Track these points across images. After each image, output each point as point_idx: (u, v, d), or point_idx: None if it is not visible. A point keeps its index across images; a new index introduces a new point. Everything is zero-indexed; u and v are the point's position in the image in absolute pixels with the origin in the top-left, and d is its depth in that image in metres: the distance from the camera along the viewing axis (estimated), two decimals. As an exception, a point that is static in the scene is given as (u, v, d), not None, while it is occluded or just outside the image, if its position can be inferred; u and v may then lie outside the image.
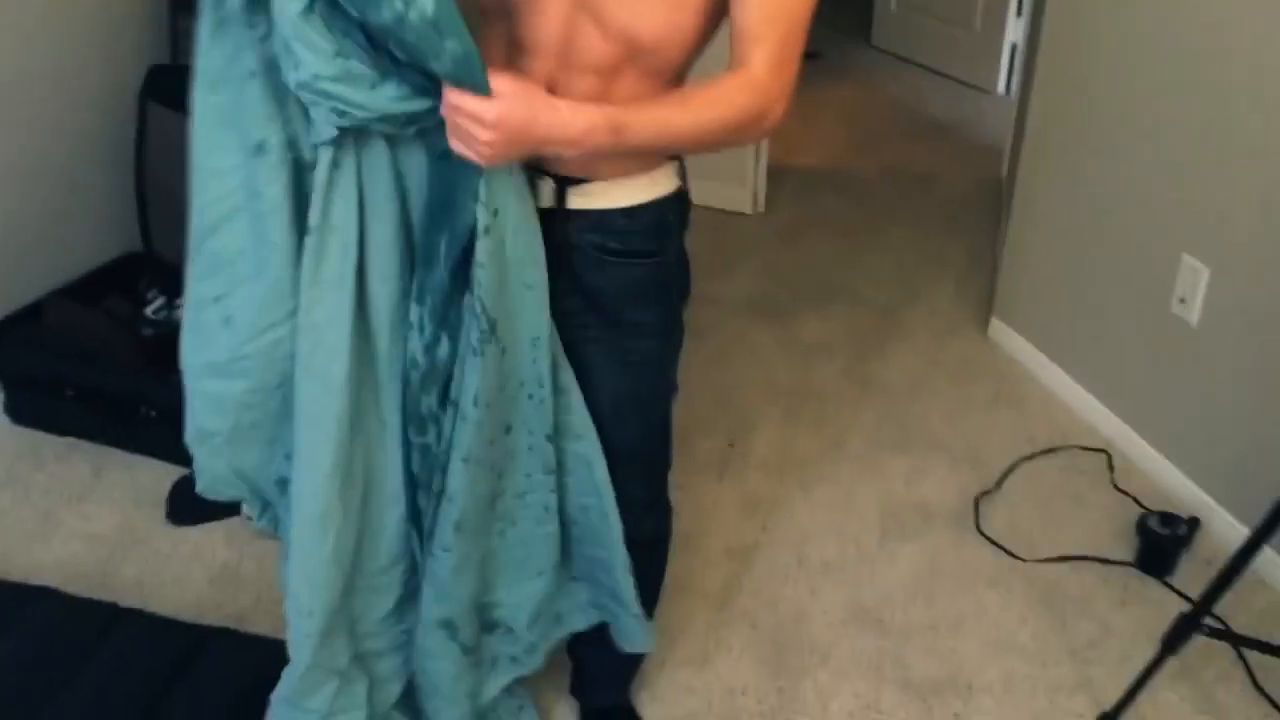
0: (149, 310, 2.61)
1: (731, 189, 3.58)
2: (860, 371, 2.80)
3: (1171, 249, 2.28)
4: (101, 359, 2.43)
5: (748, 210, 3.63)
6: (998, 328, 2.92)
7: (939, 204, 3.72)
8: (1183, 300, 2.25)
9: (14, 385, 2.47)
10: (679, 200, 1.35)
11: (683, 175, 1.37)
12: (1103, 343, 2.55)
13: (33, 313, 2.51)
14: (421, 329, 1.27)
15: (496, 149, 1.09)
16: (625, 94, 1.22)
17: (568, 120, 1.10)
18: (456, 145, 1.10)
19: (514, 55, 1.24)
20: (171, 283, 2.70)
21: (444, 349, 1.28)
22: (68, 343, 2.46)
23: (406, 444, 1.35)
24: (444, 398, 1.30)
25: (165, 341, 2.52)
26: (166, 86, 2.72)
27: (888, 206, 3.71)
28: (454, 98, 1.07)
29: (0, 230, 2.50)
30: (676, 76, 1.27)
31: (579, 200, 1.29)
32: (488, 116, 1.06)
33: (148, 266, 2.75)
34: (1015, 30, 4.38)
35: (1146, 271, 2.36)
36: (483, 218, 1.17)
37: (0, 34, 2.44)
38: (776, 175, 3.75)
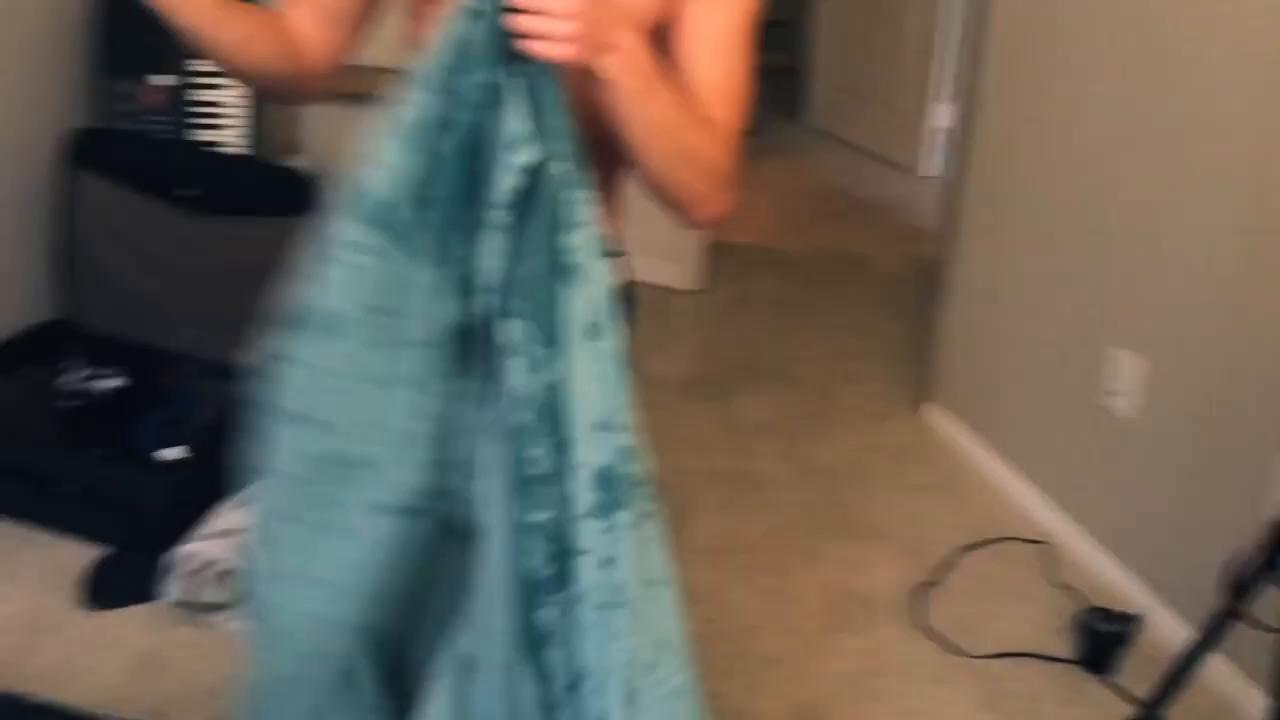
0: (70, 382, 2.51)
1: (672, 265, 3.59)
2: (799, 454, 2.80)
3: (1099, 340, 2.33)
4: (16, 432, 2.32)
5: (688, 287, 3.64)
6: (933, 412, 2.95)
7: (873, 284, 3.77)
8: (1111, 393, 2.29)
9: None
10: (626, 295, 1.33)
11: (629, 274, 1.34)
12: (1037, 432, 2.58)
13: (-58, 383, 2.39)
14: (519, 349, 1.04)
15: (582, 32, 1.00)
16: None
17: (625, 27, 1.05)
18: (537, 47, 1.00)
19: None
20: (95, 353, 2.60)
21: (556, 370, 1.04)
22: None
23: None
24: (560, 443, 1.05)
25: (86, 415, 2.44)
26: (92, 151, 2.63)
27: (823, 286, 3.75)
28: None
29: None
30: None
31: None
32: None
33: (69, 337, 2.64)
34: (941, 113, 4.50)
35: (1076, 362, 2.40)
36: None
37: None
38: (715, 252, 3.77)
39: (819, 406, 3.03)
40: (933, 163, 4.65)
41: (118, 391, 2.51)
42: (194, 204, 2.60)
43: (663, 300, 3.54)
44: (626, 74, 1.06)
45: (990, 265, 2.73)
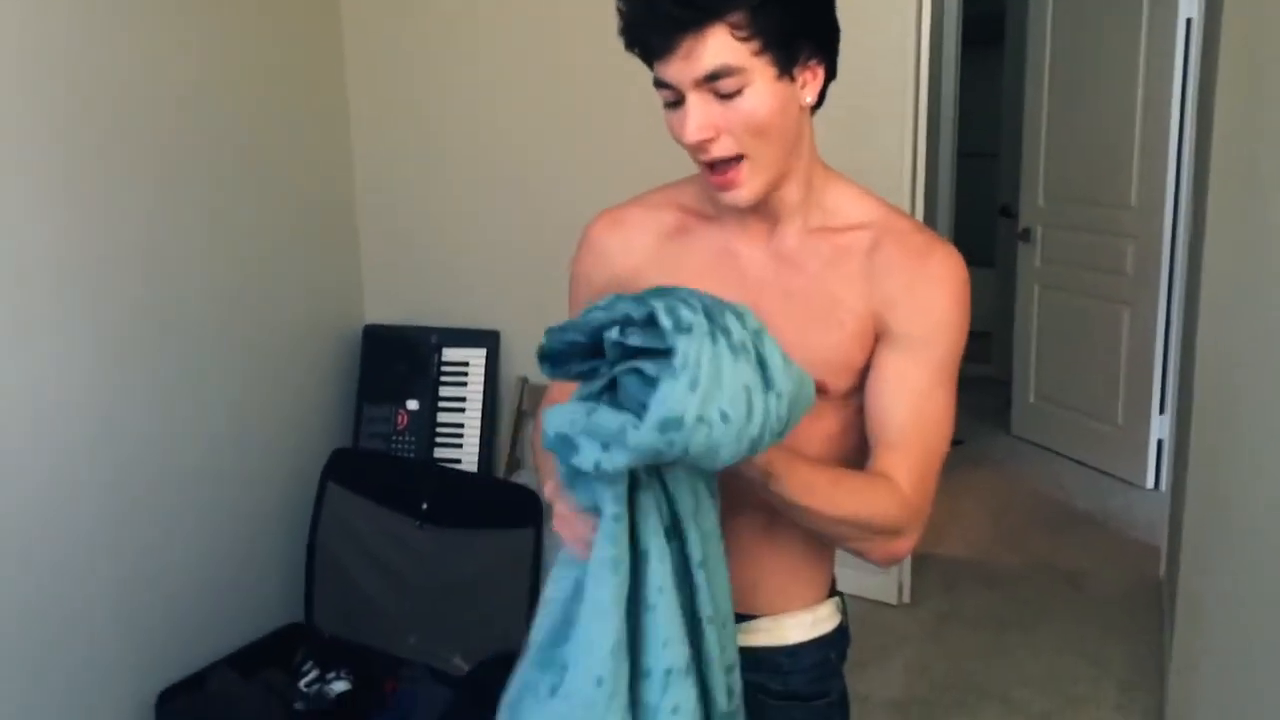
0: (302, 684, 2.67)
1: (877, 578, 3.55)
2: (1021, 789, 2.62)
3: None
4: (254, 734, 2.47)
5: (893, 601, 3.57)
6: (1171, 747, 2.72)
7: (1093, 603, 3.59)
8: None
9: (167, 756, 2.51)
10: (841, 636, 1.35)
11: (844, 610, 1.37)
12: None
13: (195, 682, 2.59)
14: None
15: None
16: (785, 531, 1.25)
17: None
18: None
19: None
20: (326, 656, 2.78)
21: None
22: (224, 714, 2.51)
23: None
24: None
25: (314, 718, 2.57)
26: (346, 468, 2.93)
27: (1038, 603, 3.60)
28: None
29: (177, 603, 2.64)
30: None
31: (742, 638, 1.25)
32: None
33: (306, 639, 2.84)
34: (1160, 427, 4.40)
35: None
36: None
37: (204, 410, 2.71)
38: (921, 565, 3.72)
39: (1041, 735, 2.85)
40: (1155, 476, 4.50)
41: (343, 694, 2.65)
42: (426, 516, 2.82)
43: (868, 614, 3.48)
44: (768, 482, 1.08)
45: (1222, 586, 2.58)
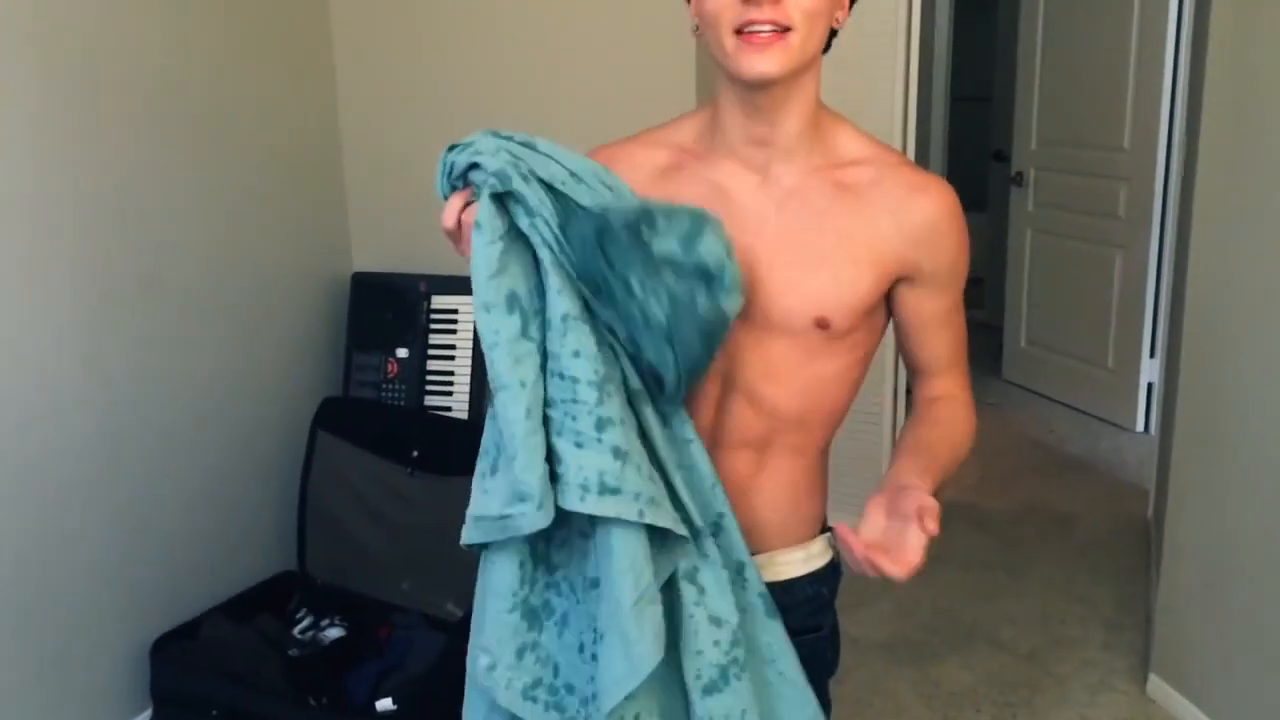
0: (297, 631, 2.69)
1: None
2: (1008, 727, 2.66)
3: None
4: (248, 679, 2.48)
5: (883, 544, 3.60)
6: (1157, 685, 2.75)
7: (1082, 545, 3.63)
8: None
9: (162, 703, 2.52)
10: (833, 572, 1.36)
11: (835, 546, 1.37)
12: (1275, 714, 2.37)
13: (189, 629, 2.60)
14: None
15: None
16: (776, 469, 1.27)
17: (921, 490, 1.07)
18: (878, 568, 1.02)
19: None
20: (320, 603, 2.79)
21: None
22: (218, 661, 2.53)
23: None
24: None
25: (308, 664, 2.59)
26: (336, 416, 2.93)
27: (1027, 545, 3.63)
28: (861, 552, 1.01)
29: (170, 552, 2.64)
30: (821, 453, 1.32)
31: None
32: (902, 575, 1.01)
33: (299, 586, 2.85)
34: (1150, 370, 4.41)
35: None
36: None
37: (194, 360, 2.70)
38: (911, 509, 3.74)
39: (1029, 675, 2.88)
40: (1145, 419, 4.52)
41: (337, 641, 2.67)
42: (417, 464, 2.83)
43: (860, 558, 3.50)
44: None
45: (1207, 526, 2.60)
